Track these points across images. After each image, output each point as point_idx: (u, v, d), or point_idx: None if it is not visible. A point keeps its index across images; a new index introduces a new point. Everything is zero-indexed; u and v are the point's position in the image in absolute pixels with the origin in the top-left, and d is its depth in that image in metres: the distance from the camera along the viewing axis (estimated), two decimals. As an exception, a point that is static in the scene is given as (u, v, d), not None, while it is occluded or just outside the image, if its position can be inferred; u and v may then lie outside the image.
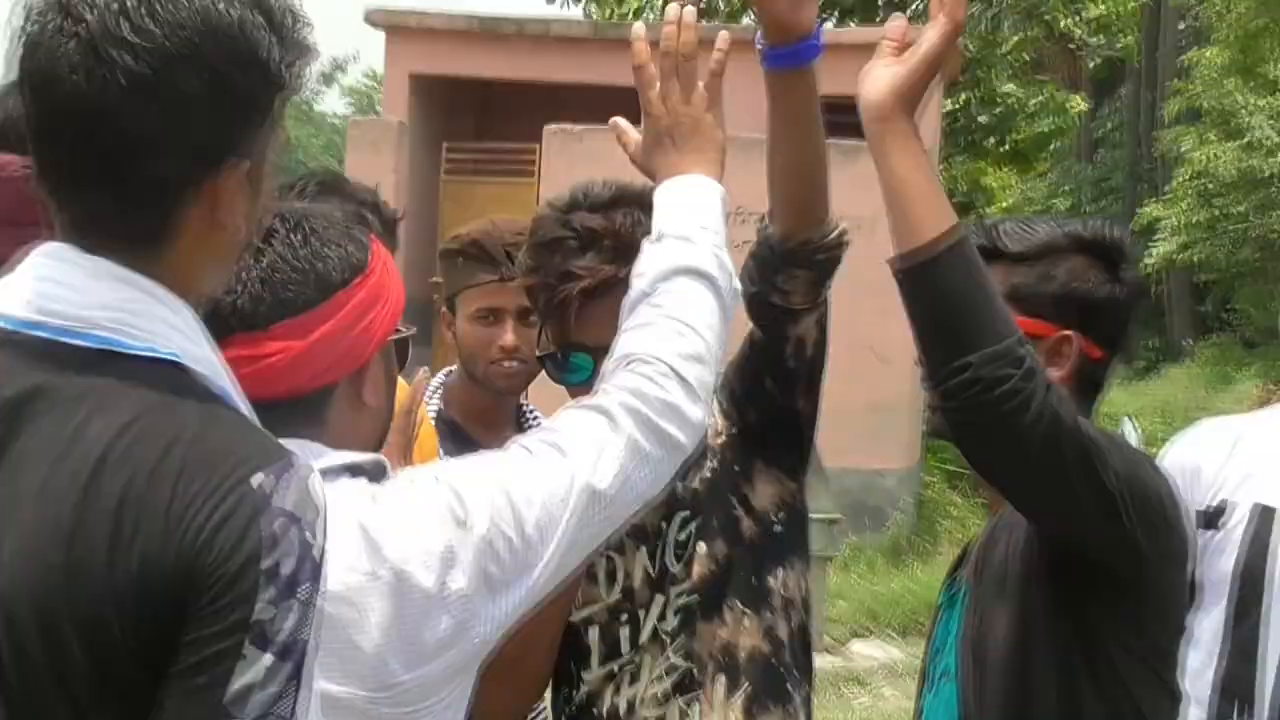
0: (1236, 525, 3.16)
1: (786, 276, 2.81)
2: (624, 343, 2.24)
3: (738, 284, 2.40)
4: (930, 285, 2.38)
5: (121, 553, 1.67)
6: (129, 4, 1.72)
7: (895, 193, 2.41)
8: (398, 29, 15.91)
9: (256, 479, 1.70)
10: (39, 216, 1.97)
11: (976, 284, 2.36)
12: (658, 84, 2.54)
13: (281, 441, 1.88)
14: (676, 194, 2.47)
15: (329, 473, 1.92)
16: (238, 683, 1.67)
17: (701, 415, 2.20)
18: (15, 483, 1.74)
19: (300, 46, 1.89)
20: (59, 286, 1.82)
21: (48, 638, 1.69)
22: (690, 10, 2.55)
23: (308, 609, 1.71)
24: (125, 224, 1.83)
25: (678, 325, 2.26)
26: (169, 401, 1.77)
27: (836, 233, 2.81)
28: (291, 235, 2.13)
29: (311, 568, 1.71)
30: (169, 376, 1.79)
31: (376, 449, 2.19)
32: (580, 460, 2.07)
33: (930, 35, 2.43)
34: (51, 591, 1.69)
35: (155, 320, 1.82)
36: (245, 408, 1.91)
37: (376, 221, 3.28)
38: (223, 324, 2.03)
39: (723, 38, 2.57)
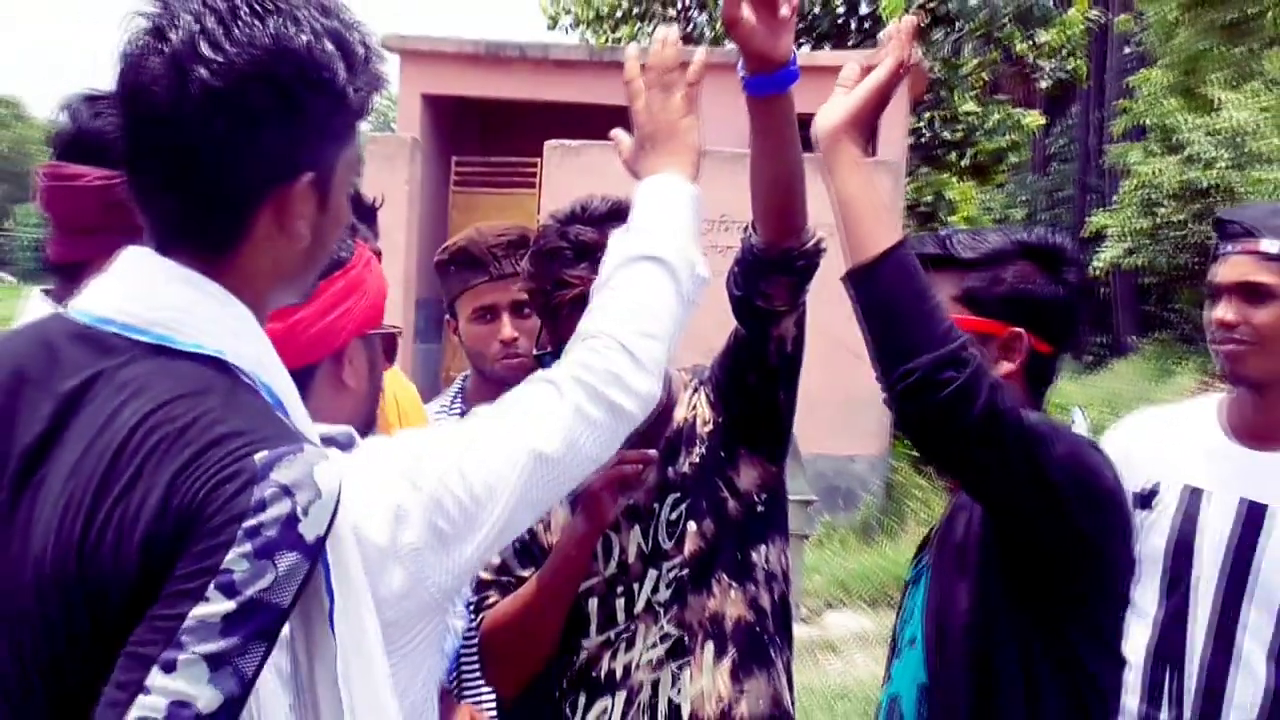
0: (1168, 505, 3.18)
1: (769, 282, 2.82)
2: (582, 324, 2.27)
3: (702, 271, 2.40)
4: (876, 294, 2.43)
5: (129, 524, 1.70)
6: (209, 25, 1.77)
7: (844, 209, 2.48)
8: (411, 53, 15.86)
9: (260, 455, 1.71)
10: (117, 223, 2.09)
11: (918, 292, 2.40)
12: (643, 95, 2.55)
13: None
14: (649, 191, 2.48)
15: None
16: (194, 618, 1.65)
17: (649, 386, 2.22)
18: (56, 462, 1.78)
19: (372, 76, 1.92)
20: (133, 287, 1.86)
21: (66, 604, 1.73)
22: (673, 31, 2.59)
23: (288, 579, 1.69)
24: (196, 228, 1.86)
25: (630, 306, 2.28)
26: (199, 390, 1.78)
27: (814, 240, 2.83)
28: None
29: (296, 540, 1.70)
30: (209, 370, 1.81)
31: (361, 427, 2.22)
32: (528, 426, 2.12)
33: (878, 71, 2.53)
34: (68, 561, 1.72)
35: (208, 320, 1.84)
36: (293, 401, 1.94)
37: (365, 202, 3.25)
38: None
39: (700, 54, 2.59)
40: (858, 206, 2.47)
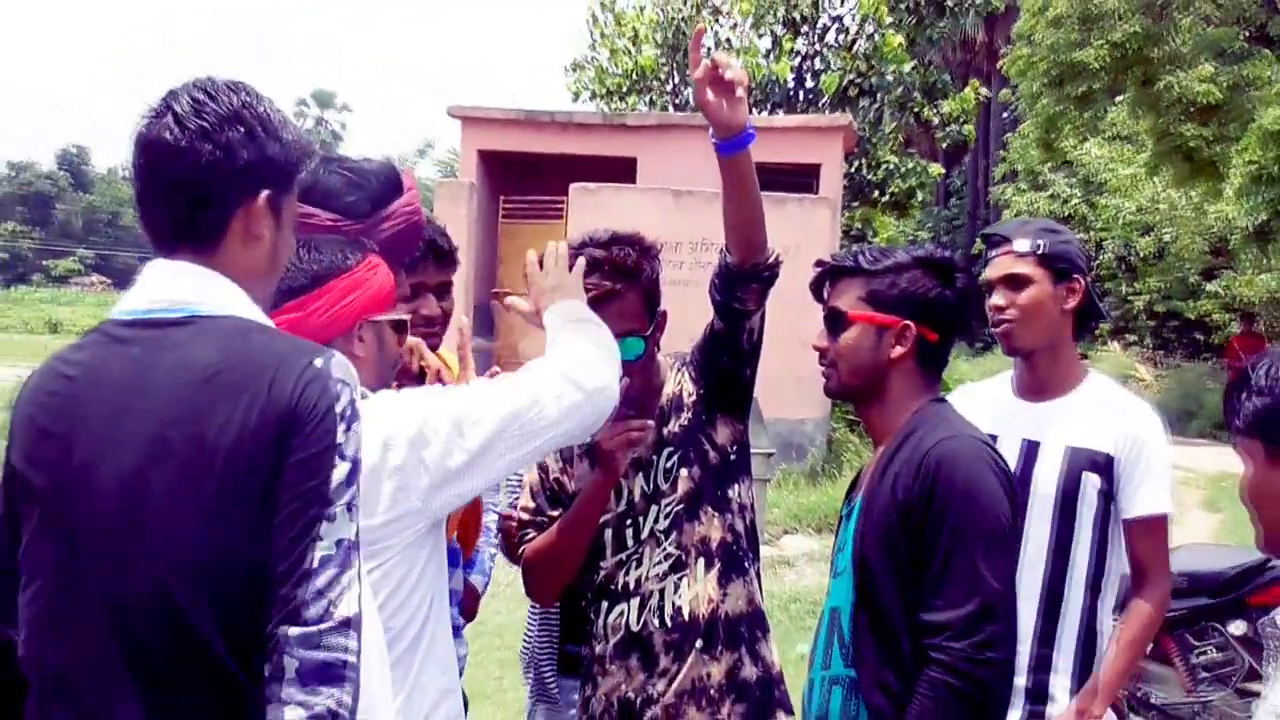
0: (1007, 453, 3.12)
1: (743, 289, 2.86)
2: (544, 356, 2.49)
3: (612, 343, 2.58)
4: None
5: (244, 414, 1.84)
6: (200, 98, 1.98)
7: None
8: (469, 119, 15.86)
9: (317, 361, 1.90)
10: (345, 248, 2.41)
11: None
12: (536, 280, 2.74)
13: None
14: (554, 311, 2.65)
15: None
16: (334, 480, 1.86)
17: (600, 378, 2.43)
18: (150, 398, 1.89)
19: (302, 147, 2.09)
20: (156, 285, 1.99)
21: (188, 481, 1.84)
22: (561, 244, 2.77)
23: (359, 435, 1.93)
24: (191, 229, 1.99)
25: (575, 340, 2.52)
26: (241, 332, 1.94)
27: (775, 256, 2.87)
28: (300, 250, 2.35)
29: (356, 409, 1.93)
30: (234, 322, 1.95)
31: (376, 386, 2.41)
32: (506, 390, 2.35)
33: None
34: (191, 451, 1.84)
35: (214, 295, 1.97)
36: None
37: (444, 243, 3.22)
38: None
39: (562, 246, 2.79)
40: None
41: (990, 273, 3.14)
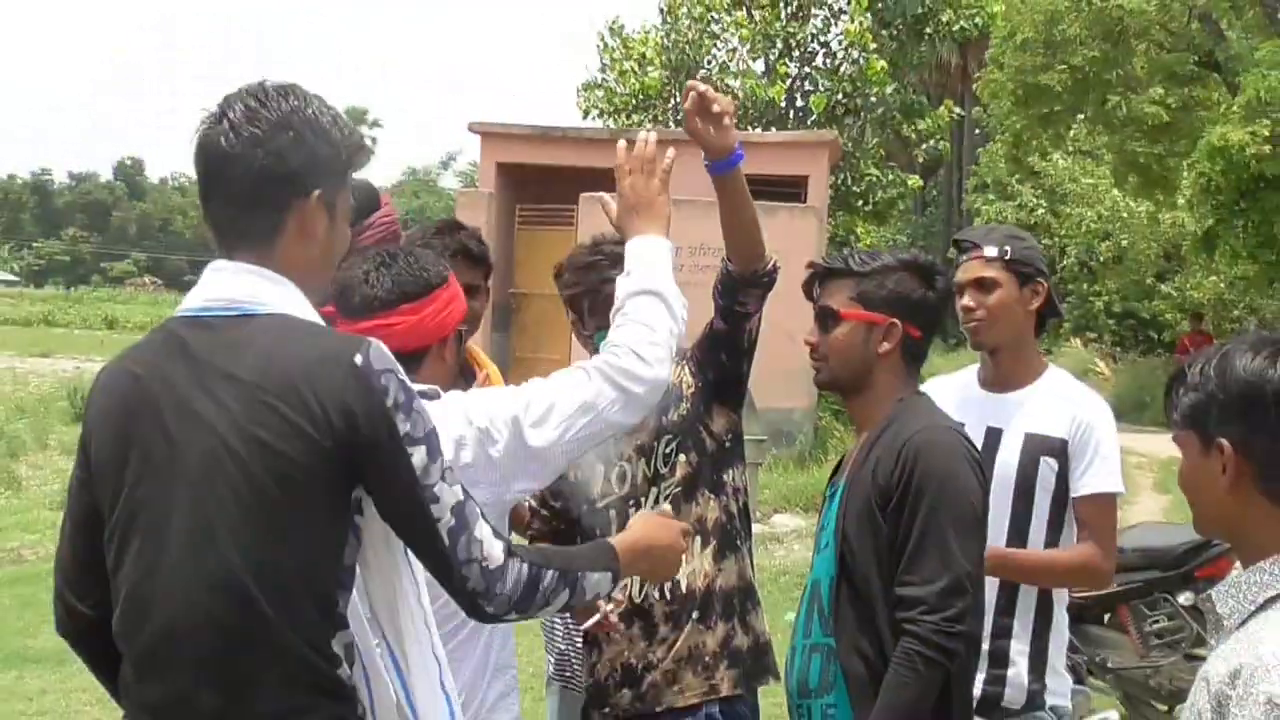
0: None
1: (744, 293, 2.87)
2: (608, 338, 2.41)
3: (682, 300, 2.49)
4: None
5: (295, 419, 1.80)
6: (252, 105, 1.92)
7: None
8: (488, 134, 15.88)
9: (357, 358, 1.84)
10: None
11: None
12: (628, 176, 2.58)
13: None
14: (642, 247, 2.53)
15: None
16: (417, 468, 1.84)
17: (654, 373, 2.35)
18: (213, 396, 1.85)
19: (354, 144, 2.03)
20: (214, 285, 1.94)
21: (251, 476, 1.81)
22: (653, 134, 2.61)
23: (422, 412, 1.88)
24: (248, 230, 1.94)
25: (640, 325, 2.38)
26: (285, 332, 1.89)
27: (772, 263, 2.86)
28: (408, 258, 2.35)
29: (409, 389, 1.88)
30: (281, 320, 1.90)
31: (447, 387, 2.37)
32: (565, 389, 2.28)
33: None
34: (252, 449, 1.80)
35: (269, 294, 1.92)
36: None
37: (476, 247, 3.24)
38: (368, 305, 2.29)
39: (670, 151, 2.60)
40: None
41: (961, 276, 3.13)
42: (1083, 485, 3.03)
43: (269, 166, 1.90)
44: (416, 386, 2.12)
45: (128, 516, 1.88)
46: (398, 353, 2.15)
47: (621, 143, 2.63)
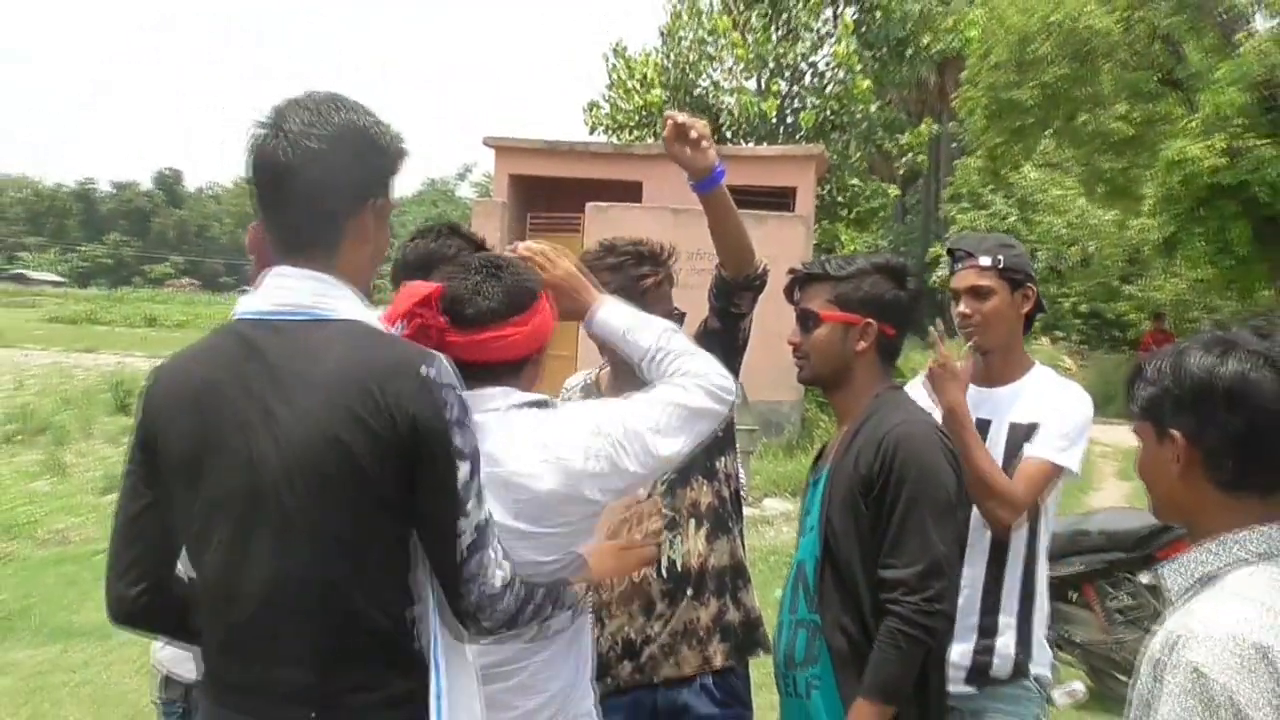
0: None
1: (739, 296, 2.88)
2: (671, 369, 2.32)
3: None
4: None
5: (368, 420, 1.78)
6: (309, 119, 1.86)
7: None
8: (502, 147, 15.83)
9: (424, 369, 1.82)
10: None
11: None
12: (543, 273, 2.42)
13: (495, 389, 2.17)
14: (609, 314, 2.45)
15: (524, 405, 2.19)
16: (460, 480, 1.84)
17: (734, 391, 2.33)
18: (290, 396, 1.81)
19: (398, 151, 1.98)
20: (280, 289, 1.89)
21: (328, 471, 1.78)
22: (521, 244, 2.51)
23: (472, 430, 1.87)
24: (312, 241, 1.90)
25: (701, 355, 2.36)
26: (358, 339, 1.86)
27: (763, 268, 2.87)
28: (511, 269, 2.25)
29: (466, 407, 1.87)
30: (353, 327, 1.88)
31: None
32: (675, 400, 2.25)
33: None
34: (328, 446, 1.78)
35: (336, 300, 1.89)
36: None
37: (476, 250, 3.22)
38: (482, 317, 2.19)
39: (528, 244, 2.52)
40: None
41: (957, 284, 3.11)
42: (1030, 449, 2.99)
43: (330, 179, 1.86)
44: (531, 396, 2.20)
45: (208, 511, 1.85)
46: (506, 362, 2.19)
47: (518, 246, 2.51)
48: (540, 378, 2.35)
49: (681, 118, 2.63)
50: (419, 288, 2.14)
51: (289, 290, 1.88)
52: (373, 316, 1.93)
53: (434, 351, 1.89)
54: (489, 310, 2.18)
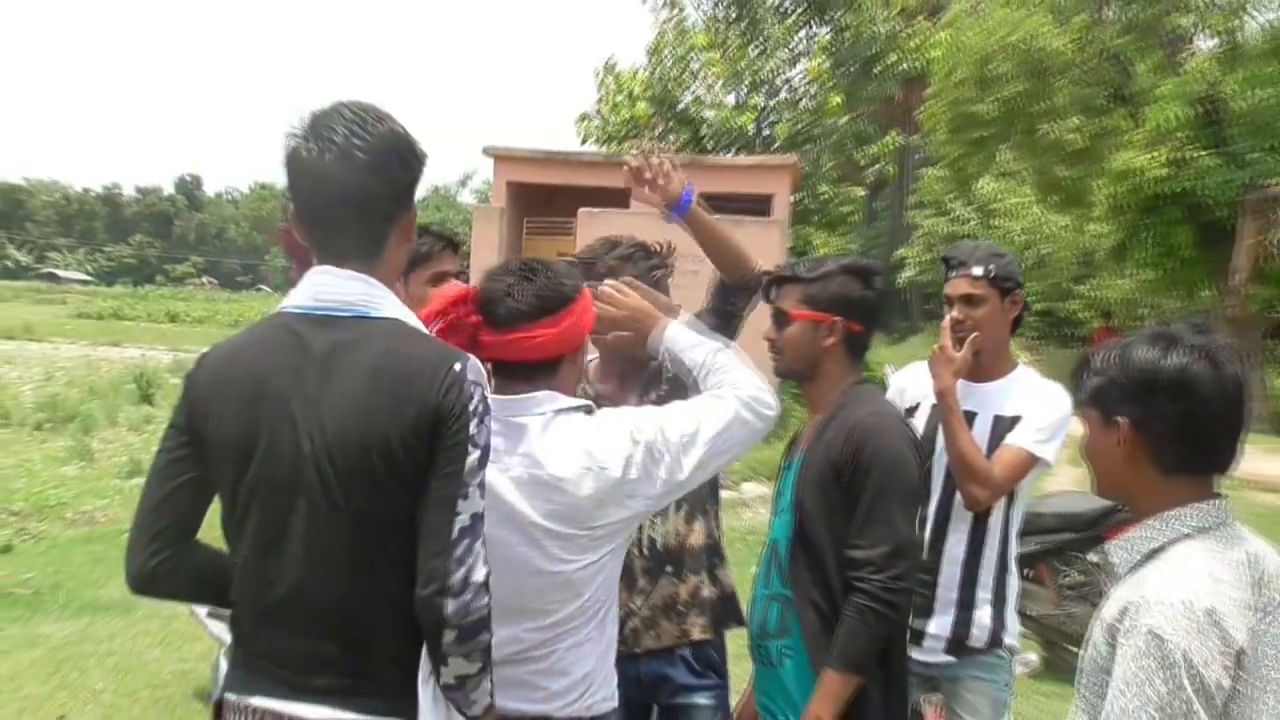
0: (924, 412, 3.15)
1: (738, 297, 2.85)
2: (717, 380, 2.34)
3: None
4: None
5: (403, 407, 1.77)
6: (355, 130, 1.82)
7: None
8: (501, 156, 15.80)
9: (456, 366, 1.82)
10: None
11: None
12: (611, 312, 2.50)
13: (537, 393, 2.15)
14: (675, 334, 2.47)
15: (570, 410, 2.16)
16: (467, 465, 1.79)
17: (776, 406, 2.31)
18: (335, 385, 1.81)
19: (425, 157, 1.94)
20: (326, 287, 1.87)
21: (365, 454, 1.78)
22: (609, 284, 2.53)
23: (488, 426, 1.85)
24: (358, 245, 1.87)
25: (747, 369, 2.37)
26: (399, 335, 1.85)
27: (759, 271, 2.84)
28: (548, 272, 2.19)
29: (488, 404, 1.86)
30: (394, 324, 1.86)
31: (574, 393, 2.25)
32: (710, 412, 2.23)
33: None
34: (366, 430, 1.77)
35: (379, 299, 1.87)
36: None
37: (450, 245, 3.19)
38: (512, 317, 2.15)
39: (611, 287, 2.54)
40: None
41: (951, 290, 3.11)
42: (1011, 438, 3.00)
43: (380, 189, 1.84)
44: (578, 402, 2.17)
45: (250, 492, 1.83)
46: (539, 361, 2.15)
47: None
48: (580, 378, 2.30)
49: (636, 164, 2.59)
50: (454, 288, 2.15)
51: (333, 287, 1.85)
52: (411, 315, 1.91)
53: (465, 352, 1.88)
54: (519, 311, 2.14)
